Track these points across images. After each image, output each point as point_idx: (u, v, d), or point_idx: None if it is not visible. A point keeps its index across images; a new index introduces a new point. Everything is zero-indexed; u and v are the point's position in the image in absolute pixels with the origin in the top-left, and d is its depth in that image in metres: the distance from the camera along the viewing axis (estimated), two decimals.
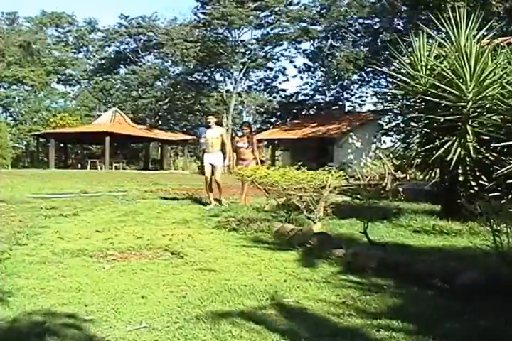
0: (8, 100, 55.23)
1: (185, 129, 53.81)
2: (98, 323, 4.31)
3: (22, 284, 5.46)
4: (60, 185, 18.65)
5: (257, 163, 12.93)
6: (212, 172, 12.91)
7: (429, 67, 9.59)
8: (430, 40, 10.11)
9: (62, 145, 44.90)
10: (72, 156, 51.86)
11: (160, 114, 53.14)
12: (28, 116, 56.33)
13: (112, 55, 57.32)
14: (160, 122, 53.34)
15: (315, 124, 37.45)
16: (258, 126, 54.54)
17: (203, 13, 43.16)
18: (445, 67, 9.22)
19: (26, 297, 5.03)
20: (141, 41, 54.49)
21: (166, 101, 52.36)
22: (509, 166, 7.51)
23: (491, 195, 7.06)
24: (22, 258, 6.66)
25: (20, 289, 5.26)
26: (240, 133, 14.61)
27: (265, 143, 46.88)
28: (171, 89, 52.27)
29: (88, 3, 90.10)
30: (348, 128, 35.86)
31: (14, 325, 4.31)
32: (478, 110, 8.95)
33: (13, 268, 6.13)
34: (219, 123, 13.72)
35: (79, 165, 42.31)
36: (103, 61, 57.86)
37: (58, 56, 59.93)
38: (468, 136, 8.87)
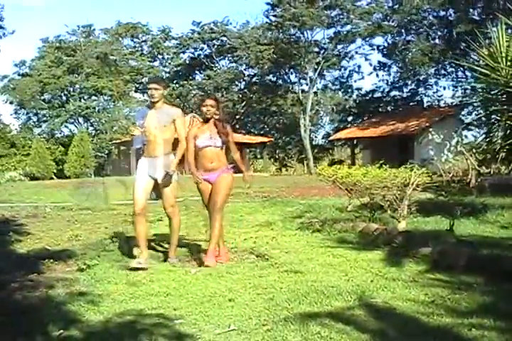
0: (88, 111, 56.45)
1: (262, 132, 54.00)
2: (188, 326, 4.36)
3: (111, 289, 5.59)
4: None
5: (237, 171, 7.46)
6: (157, 196, 7.56)
7: (509, 58, 9.34)
8: (509, 30, 9.85)
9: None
10: None
11: (237, 117, 53.40)
12: (108, 125, 57.41)
13: (187, 62, 57.89)
14: (237, 126, 53.66)
15: (393, 121, 36.98)
16: (335, 125, 54.23)
17: (274, 16, 43.16)
18: None
19: (116, 302, 5.15)
20: (215, 46, 54.89)
21: (243, 104, 52.63)
22: None
23: None
24: (110, 264, 6.81)
25: (110, 294, 5.38)
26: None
27: (343, 142, 46.66)
28: (247, 92, 52.52)
29: (161, 11, 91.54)
30: (428, 124, 35.23)
31: (107, 326, 4.43)
32: None
33: (102, 274, 6.28)
34: (168, 102, 7.95)
35: None
36: (178, 68, 58.51)
37: (135, 65, 60.91)
38: None
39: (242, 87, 54.23)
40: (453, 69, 43.72)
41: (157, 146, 7.11)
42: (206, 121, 7.26)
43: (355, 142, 41.26)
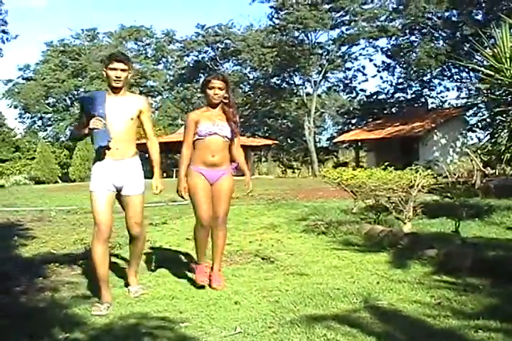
0: None
1: (267, 134, 54.04)
2: (193, 330, 4.36)
3: (117, 293, 5.58)
4: (148, 194, 18.95)
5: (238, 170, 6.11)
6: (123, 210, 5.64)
7: None
8: None
9: (147, 155, 45.63)
10: None
11: (242, 120, 53.38)
12: None
13: (191, 65, 57.88)
14: (242, 128, 53.65)
15: (398, 123, 36.95)
16: (340, 127, 54.19)
17: (278, 18, 43.21)
18: None
19: (122, 305, 5.14)
20: (219, 49, 54.91)
21: (247, 107, 52.65)
22: None
23: None
24: (116, 268, 6.79)
25: (115, 298, 5.36)
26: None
27: (347, 144, 46.64)
28: (252, 95, 52.54)
29: (165, 14, 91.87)
30: (433, 125, 35.20)
31: (113, 329, 4.42)
32: None
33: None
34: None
35: (164, 174, 42.95)
36: (183, 71, 58.52)
37: (139, 69, 61.07)
38: None
39: (247, 89, 54.29)
40: (457, 71, 43.69)
41: (123, 145, 5.37)
42: (212, 106, 5.82)
43: (359, 144, 41.27)
